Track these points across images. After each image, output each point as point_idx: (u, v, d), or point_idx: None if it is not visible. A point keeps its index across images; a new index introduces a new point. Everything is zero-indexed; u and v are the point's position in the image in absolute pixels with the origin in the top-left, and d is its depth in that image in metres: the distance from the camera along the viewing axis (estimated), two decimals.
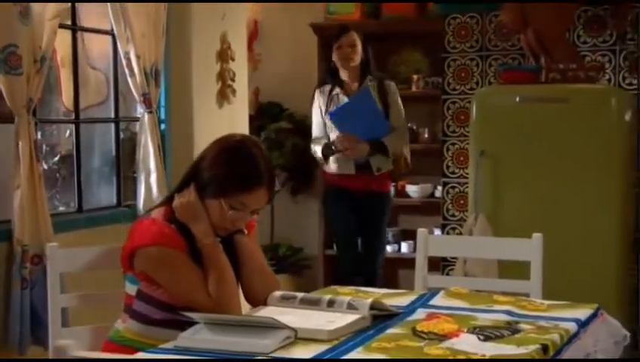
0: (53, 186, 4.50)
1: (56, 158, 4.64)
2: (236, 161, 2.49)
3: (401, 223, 6.01)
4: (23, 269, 3.64)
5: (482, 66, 4.75)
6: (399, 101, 4.73)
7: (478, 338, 2.12)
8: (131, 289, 2.51)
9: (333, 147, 4.61)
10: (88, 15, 4.57)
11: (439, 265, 4.99)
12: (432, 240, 2.95)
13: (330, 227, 5.07)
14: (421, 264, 2.95)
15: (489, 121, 4.30)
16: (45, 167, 4.37)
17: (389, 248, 5.82)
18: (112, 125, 4.73)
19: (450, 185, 4.84)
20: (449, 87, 4.84)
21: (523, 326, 2.23)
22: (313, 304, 2.39)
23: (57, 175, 4.60)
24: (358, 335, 2.18)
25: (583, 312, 2.41)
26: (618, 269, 4.15)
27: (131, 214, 4.56)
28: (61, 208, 4.44)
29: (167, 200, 2.56)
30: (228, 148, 2.54)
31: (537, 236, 2.81)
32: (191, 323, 2.24)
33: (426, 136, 5.74)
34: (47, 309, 3.70)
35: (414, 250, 5.70)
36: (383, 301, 2.42)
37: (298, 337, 2.12)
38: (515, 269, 3.43)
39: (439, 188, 5.61)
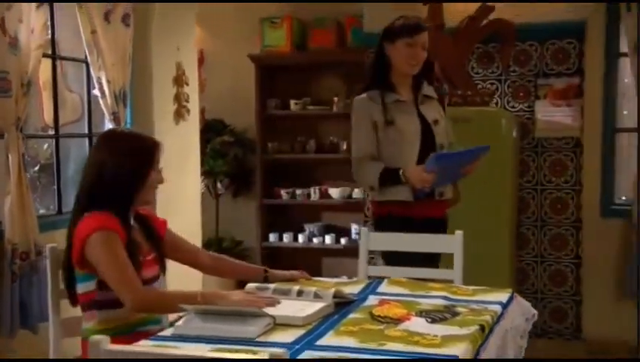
0: (34, 192, 4.31)
1: (37, 168, 4.45)
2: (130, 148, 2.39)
3: (325, 219, 5.99)
4: (13, 265, 3.51)
5: None
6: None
7: (427, 321, 2.11)
8: (87, 286, 2.31)
9: (402, 178, 3.01)
10: (66, 45, 4.42)
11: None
12: (372, 237, 2.91)
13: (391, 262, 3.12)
14: (363, 256, 2.90)
15: None
16: (28, 175, 4.20)
17: (314, 240, 5.81)
18: (86, 139, 4.58)
19: None
20: None
21: (460, 309, 2.23)
22: (284, 294, 2.33)
23: (38, 182, 4.42)
24: (326, 320, 2.15)
25: (503, 295, 2.43)
26: (509, 257, 4.24)
27: None
28: (42, 211, 4.25)
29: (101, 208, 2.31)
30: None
31: (459, 233, 2.83)
32: None
33: (345, 147, 5.74)
34: (33, 298, 3.61)
35: (336, 241, 5.76)
36: (339, 289, 2.39)
37: (277, 323, 2.07)
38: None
39: (356, 190, 5.64)
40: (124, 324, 2.28)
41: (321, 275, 5.69)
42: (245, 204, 6.12)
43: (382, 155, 3.08)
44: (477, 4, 4.47)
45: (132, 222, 2.41)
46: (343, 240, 5.73)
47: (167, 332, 2.09)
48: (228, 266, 2.74)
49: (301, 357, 1.80)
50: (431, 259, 3.04)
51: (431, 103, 3.19)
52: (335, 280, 2.74)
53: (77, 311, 2.43)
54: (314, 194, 5.80)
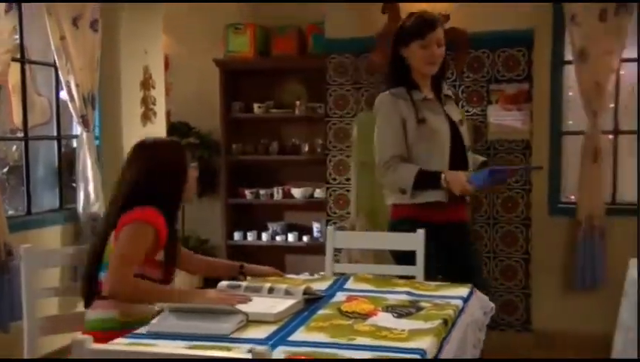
0: (3, 193, 4.21)
1: (6, 169, 4.35)
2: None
3: (287, 218, 5.99)
4: None
5: (356, 96, 4.78)
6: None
7: (393, 316, 2.13)
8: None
9: (443, 183, 2.77)
10: (35, 50, 4.34)
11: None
12: (338, 235, 2.91)
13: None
14: (330, 254, 2.90)
15: (367, 139, 4.28)
16: None
17: (278, 238, 5.81)
18: (55, 142, 4.49)
19: (332, 189, 4.84)
20: (330, 112, 4.84)
21: (423, 304, 2.25)
22: (256, 291, 2.33)
23: (7, 184, 4.32)
24: (297, 316, 2.15)
25: (463, 291, 2.46)
26: None
27: (72, 216, 4.37)
28: (10, 212, 4.16)
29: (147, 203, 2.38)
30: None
31: (420, 231, 2.84)
32: None
33: (306, 149, 5.74)
34: (4, 298, 3.53)
35: (299, 239, 5.77)
36: (309, 286, 2.39)
37: (249, 320, 2.06)
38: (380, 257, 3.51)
39: (318, 190, 5.65)
40: (145, 318, 2.22)
41: (285, 272, 5.72)
42: (210, 204, 6.08)
43: (412, 155, 2.85)
44: (435, 12, 4.50)
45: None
46: (305, 238, 5.74)
47: (143, 329, 2.06)
48: (204, 263, 2.74)
49: (276, 352, 1.80)
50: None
51: (451, 103, 3.03)
52: (303, 277, 2.75)
53: (51, 310, 2.40)
54: (277, 194, 5.79)
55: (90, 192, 4.34)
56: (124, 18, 4.71)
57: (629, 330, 1.81)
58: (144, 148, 2.51)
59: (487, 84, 4.57)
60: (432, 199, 2.82)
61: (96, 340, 2.10)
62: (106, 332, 2.23)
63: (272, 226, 5.85)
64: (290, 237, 5.79)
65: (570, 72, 4.59)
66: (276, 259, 5.87)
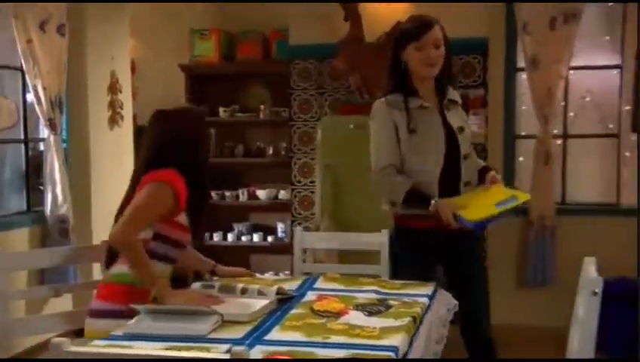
0: None
1: None
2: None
3: (252, 219, 5.96)
4: None
5: (320, 100, 4.80)
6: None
7: (364, 314, 2.14)
8: (144, 233, 2.37)
9: (432, 209, 2.58)
10: (1, 54, 4.24)
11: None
12: (306, 236, 2.90)
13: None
14: (298, 255, 2.90)
15: (331, 142, 4.34)
16: None
17: (243, 239, 5.78)
18: (22, 145, 4.39)
19: (297, 190, 4.85)
20: (295, 116, 4.84)
21: (392, 302, 2.27)
22: (229, 292, 2.32)
23: None
24: (270, 316, 2.14)
25: (428, 289, 2.48)
26: None
27: (39, 219, 4.28)
28: None
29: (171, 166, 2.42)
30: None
31: (385, 231, 2.86)
32: None
33: (271, 152, 5.73)
34: None
35: (264, 239, 5.75)
36: (281, 286, 2.39)
37: (224, 320, 2.05)
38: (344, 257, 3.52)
39: (282, 192, 5.64)
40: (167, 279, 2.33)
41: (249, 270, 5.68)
42: None
43: (404, 164, 2.69)
44: (394, 20, 4.54)
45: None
46: (270, 238, 5.73)
47: (119, 331, 2.03)
48: (183, 255, 2.71)
49: (253, 351, 1.80)
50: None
51: (456, 109, 2.80)
52: (274, 277, 2.75)
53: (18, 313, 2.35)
54: (242, 195, 5.76)
55: (58, 195, 4.26)
56: (91, 22, 4.63)
57: (585, 325, 1.85)
58: (165, 116, 2.55)
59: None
60: (419, 212, 2.65)
61: (112, 293, 2.34)
62: (119, 285, 2.36)
63: (238, 227, 5.82)
64: (256, 237, 5.77)
65: (523, 79, 4.67)
66: (241, 259, 5.84)
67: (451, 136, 2.71)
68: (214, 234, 5.81)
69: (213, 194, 5.79)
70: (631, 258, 4.06)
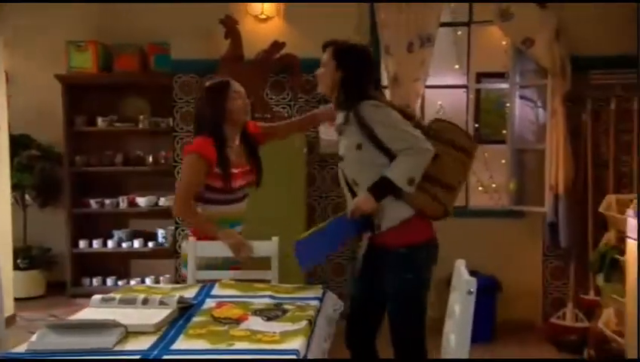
0: None
1: None
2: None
3: (132, 225, 5.75)
4: None
5: None
6: (385, 120, 2.53)
7: (263, 319, 2.15)
8: None
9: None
10: None
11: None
12: (199, 245, 2.85)
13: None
14: (191, 263, 2.83)
15: None
16: None
17: (124, 245, 5.56)
18: None
19: None
20: (177, 127, 4.74)
21: (287, 306, 2.29)
22: (130, 303, 2.24)
23: None
24: (173, 325, 2.10)
25: (318, 291, 2.53)
26: None
27: None
28: None
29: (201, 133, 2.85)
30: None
31: (275, 239, 2.88)
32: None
33: (151, 160, 5.56)
34: None
35: (144, 245, 5.56)
36: (181, 295, 2.34)
37: (128, 332, 1.98)
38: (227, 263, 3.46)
39: (162, 199, 5.50)
40: (217, 219, 2.82)
41: (130, 276, 5.48)
42: (53, 214, 5.70)
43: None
44: (271, 40, 4.58)
45: (236, 142, 2.92)
46: (150, 244, 5.56)
47: (21, 348, 1.90)
48: (284, 127, 3.24)
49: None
50: None
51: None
52: (170, 286, 2.68)
53: None
54: (122, 203, 5.55)
55: None
56: None
57: (462, 322, 1.95)
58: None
59: (317, 105, 4.71)
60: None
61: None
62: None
63: (118, 233, 5.60)
64: (136, 243, 5.57)
65: (387, 94, 4.86)
66: (122, 264, 5.66)
67: None
68: (94, 242, 5.56)
69: (92, 202, 5.54)
70: (478, 253, 4.29)
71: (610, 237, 4.08)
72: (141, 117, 5.57)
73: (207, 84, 2.96)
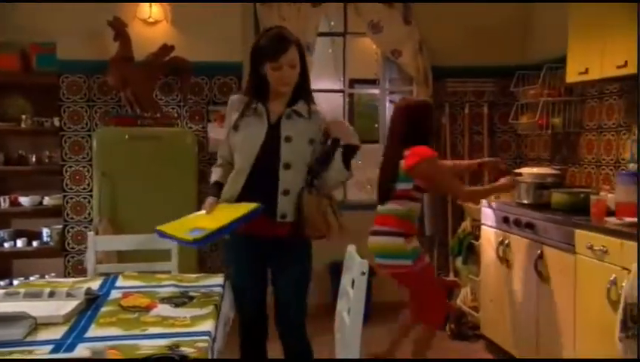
0: None
1: None
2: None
3: (15, 225, 5.38)
4: None
5: (90, 112, 4.54)
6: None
7: (171, 306, 2.14)
8: (407, 185, 3.28)
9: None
10: None
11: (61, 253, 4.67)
12: (99, 240, 2.77)
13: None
14: (92, 258, 2.75)
15: (107, 151, 4.13)
16: None
17: (5, 245, 5.19)
18: None
19: (69, 196, 4.52)
20: (65, 126, 4.51)
21: (193, 294, 2.30)
22: (36, 296, 2.15)
23: None
24: (82, 316, 2.05)
25: (219, 279, 2.56)
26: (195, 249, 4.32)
27: None
28: None
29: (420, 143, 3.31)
30: None
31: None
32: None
33: (34, 160, 5.24)
34: None
35: (28, 244, 5.22)
36: (89, 286, 2.28)
37: (38, 323, 1.90)
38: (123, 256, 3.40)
39: (47, 198, 5.20)
40: (415, 214, 3.35)
41: (12, 276, 5.14)
42: None
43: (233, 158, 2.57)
44: (159, 44, 4.50)
45: None
46: (35, 243, 5.23)
47: None
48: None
49: (78, 349, 1.71)
50: None
51: (299, 120, 2.53)
52: (71, 279, 2.59)
53: None
54: (4, 202, 5.18)
55: None
56: None
57: (356, 301, 2.03)
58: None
59: (206, 106, 4.71)
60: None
61: (385, 220, 3.36)
62: (389, 216, 3.34)
63: None
64: (19, 242, 5.22)
65: None
66: (5, 265, 5.27)
67: (275, 143, 2.50)
68: None
69: None
70: (354, 242, 4.43)
71: (466, 225, 4.43)
72: (23, 116, 5.23)
73: (424, 102, 3.50)
